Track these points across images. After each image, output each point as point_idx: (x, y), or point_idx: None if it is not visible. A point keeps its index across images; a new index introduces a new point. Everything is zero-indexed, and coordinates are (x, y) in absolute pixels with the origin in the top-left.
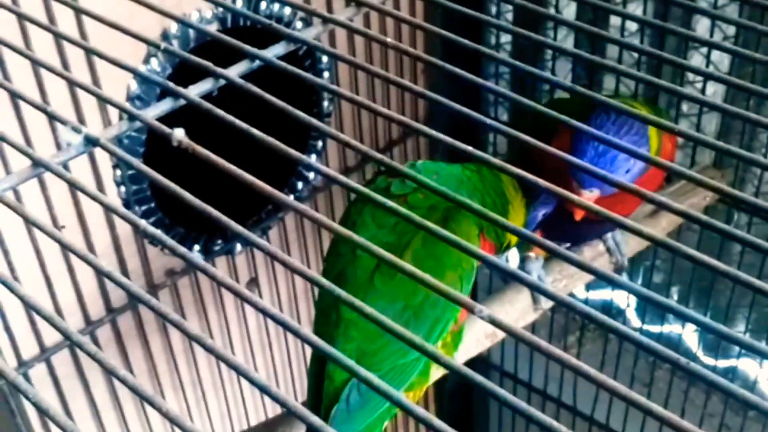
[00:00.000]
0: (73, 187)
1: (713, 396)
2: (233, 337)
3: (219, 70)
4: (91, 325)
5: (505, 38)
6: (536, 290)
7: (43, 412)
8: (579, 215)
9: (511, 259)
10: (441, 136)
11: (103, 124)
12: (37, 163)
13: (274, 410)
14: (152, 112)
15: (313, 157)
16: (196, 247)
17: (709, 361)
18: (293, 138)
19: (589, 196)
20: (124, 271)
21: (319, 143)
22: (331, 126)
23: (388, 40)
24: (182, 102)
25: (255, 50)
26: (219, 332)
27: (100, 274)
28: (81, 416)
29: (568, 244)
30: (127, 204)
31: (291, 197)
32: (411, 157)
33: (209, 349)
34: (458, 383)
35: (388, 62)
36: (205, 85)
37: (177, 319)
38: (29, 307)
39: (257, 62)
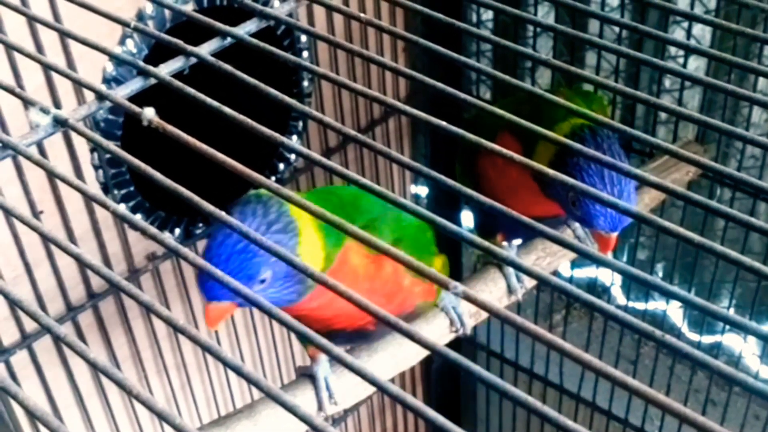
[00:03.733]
0: (42, 168)
1: (699, 372)
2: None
3: (190, 47)
4: (73, 310)
5: (487, 15)
6: (513, 266)
7: (19, 403)
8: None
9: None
10: (422, 114)
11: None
12: (5, 145)
13: (260, 393)
14: (122, 92)
15: (294, 137)
16: (177, 230)
17: (694, 337)
18: (275, 119)
19: (613, 237)
20: (105, 256)
21: (300, 124)
22: (311, 106)
23: (362, 15)
24: (153, 81)
25: (226, 27)
26: (203, 317)
27: (82, 264)
28: (65, 404)
29: (520, 241)
30: (105, 188)
31: (272, 179)
32: (393, 137)
33: (194, 339)
34: (445, 363)
35: (367, 41)
36: (176, 64)
37: (165, 314)
38: (9, 300)
39: (229, 39)
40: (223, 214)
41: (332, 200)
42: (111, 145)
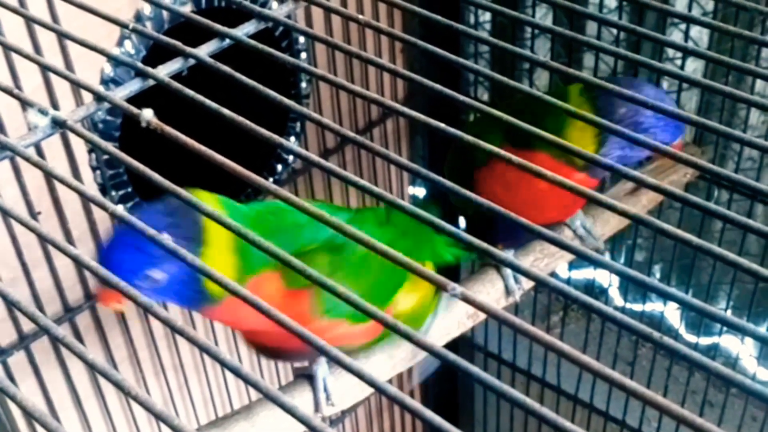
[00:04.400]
0: (40, 169)
1: (696, 373)
2: (216, 324)
3: (188, 49)
4: (71, 311)
5: (484, 17)
6: (510, 267)
7: (17, 404)
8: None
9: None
10: (420, 116)
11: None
12: (3, 146)
13: (257, 394)
14: (121, 93)
15: (292, 139)
16: None
17: (692, 338)
18: (273, 120)
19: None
20: None
21: (298, 125)
22: (309, 108)
23: (360, 17)
24: (151, 82)
25: (225, 29)
26: (201, 318)
27: (80, 265)
28: (63, 405)
29: (513, 250)
30: (103, 189)
31: (270, 180)
32: (391, 138)
33: (192, 340)
34: (442, 364)
35: (365, 42)
36: (174, 65)
37: (163, 315)
38: (7, 301)
39: (227, 41)
40: (221, 215)
41: (269, 221)
42: (109, 146)
